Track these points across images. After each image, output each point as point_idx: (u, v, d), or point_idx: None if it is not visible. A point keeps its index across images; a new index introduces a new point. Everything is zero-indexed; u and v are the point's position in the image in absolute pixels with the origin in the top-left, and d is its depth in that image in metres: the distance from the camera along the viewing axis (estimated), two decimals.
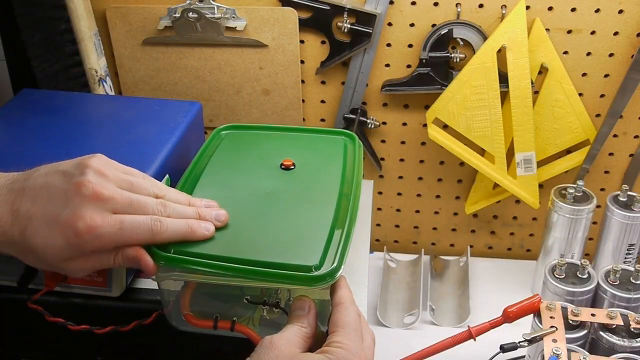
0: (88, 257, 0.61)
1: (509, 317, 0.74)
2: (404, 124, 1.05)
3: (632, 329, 0.72)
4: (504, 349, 0.72)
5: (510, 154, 1.01)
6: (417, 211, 1.13)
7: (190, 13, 0.97)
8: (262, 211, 0.69)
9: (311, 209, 0.69)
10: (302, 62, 1.02)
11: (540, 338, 0.71)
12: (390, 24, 0.98)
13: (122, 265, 0.63)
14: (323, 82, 1.04)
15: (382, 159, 1.09)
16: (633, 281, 0.80)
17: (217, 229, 0.65)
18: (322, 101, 1.05)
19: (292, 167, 0.75)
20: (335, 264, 0.62)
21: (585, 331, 0.74)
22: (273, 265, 0.61)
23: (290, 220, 0.68)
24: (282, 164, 0.75)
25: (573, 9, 0.95)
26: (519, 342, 0.71)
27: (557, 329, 0.71)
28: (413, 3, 0.96)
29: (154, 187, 0.66)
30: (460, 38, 0.97)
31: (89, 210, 0.59)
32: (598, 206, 0.94)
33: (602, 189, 1.07)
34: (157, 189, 0.66)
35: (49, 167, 0.63)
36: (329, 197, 0.71)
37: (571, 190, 0.93)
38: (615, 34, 0.96)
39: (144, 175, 0.67)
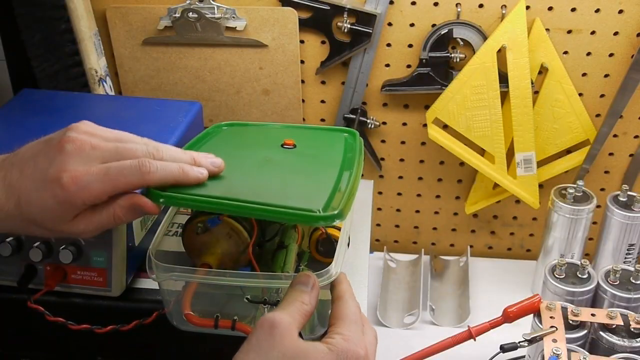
0: (85, 214, 0.60)
1: (509, 317, 0.74)
2: (404, 124, 1.06)
3: (632, 329, 0.72)
4: (504, 349, 0.72)
5: (510, 154, 1.01)
6: (417, 211, 1.13)
7: (190, 13, 0.97)
8: (263, 172, 0.68)
9: (313, 173, 0.69)
10: (302, 62, 1.02)
11: (540, 338, 0.71)
12: (390, 24, 0.98)
13: (124, 219, 0.61)
14: (323, 82, 1.04)
15: (382, 159, 1.09)
16: (633, 281, 0.80)
17: (218, 178, 0.64)
18: (322, 101, 1.05)
19: (293, 146, 0.74)
20: (340, 208, 0.60)
21: (585, 331, 0.74)
22: (277, 206, 0.60)
23: (293, 179, 0.67)
24: (283, 144, 0.74)
25: (573, 9, 0.95)
26: (519, 342, 0.71)
27: (557, 329, 0.71)
28: (413, 3, 0.96)
29: (145, 140, 0.64)
30: (460, 38, 0.97)
31: (72, 163, 0.58)
32: (598, 206, 0.94)
33: (602, 189, 1.07)
34: (148, 141, 0.64)
35: (36, 140, 0.62)
36: (331, 167, 0.70)
37: (571, 190, 0.93)
38: (615, 34, 0.96)
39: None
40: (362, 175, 1.08)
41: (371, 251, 1.06)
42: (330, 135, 0.82)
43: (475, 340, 0.73)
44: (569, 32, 0.96)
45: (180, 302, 0.65)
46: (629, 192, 0.92)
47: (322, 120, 1.07)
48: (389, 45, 1.00)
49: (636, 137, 1.03)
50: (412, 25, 0.98)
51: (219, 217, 0.68)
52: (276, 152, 0.73)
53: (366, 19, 0.96)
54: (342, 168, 0.70)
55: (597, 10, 0.95)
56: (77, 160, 0.58)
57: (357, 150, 0.76)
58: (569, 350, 0.69)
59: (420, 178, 1.10)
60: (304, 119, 1.07)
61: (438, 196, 1.12)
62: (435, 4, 0.96)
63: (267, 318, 0.55)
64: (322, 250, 0.74)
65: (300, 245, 0.74)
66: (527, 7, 0.94)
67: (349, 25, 0.96)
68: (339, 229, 0.74)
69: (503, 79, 0.96)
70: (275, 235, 0.75)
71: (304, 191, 0.65)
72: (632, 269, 0.81)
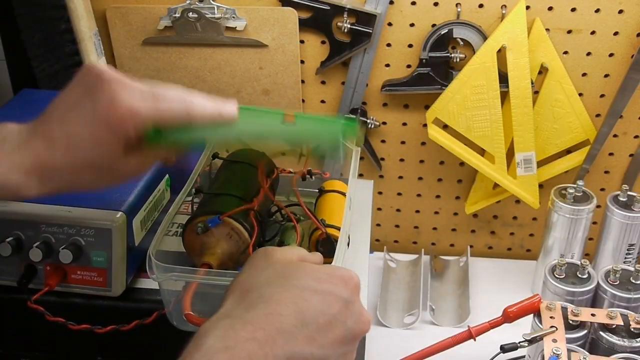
0: (137, 150, 0.60)
1: (509, 317, 0.74)
2: (404, 124, 1.06)
3: (632, 329, 0.72)
4: (504, 349, 0.72)
5: (510, 154, 1.01)
6: (417, 211, 1.13)
7: (190, 13, 0.97)
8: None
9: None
10: (302, 62, 1.02)
11: (540, 338, 0.71)
12: (390, 24, 0.98)
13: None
14: (323, 82, 1.04)
15: (382, 159, 1.09)
16: (633, 281, 0.80)
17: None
18: (322, 101, 1.05)
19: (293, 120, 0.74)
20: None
21: (585, 331, 0.74)
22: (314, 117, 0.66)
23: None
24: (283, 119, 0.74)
25: (573, 9, 0.95)
26: (519, 342, 0.71)
27: (557, 329, 0.71)
28: (413, 3, 0.96)
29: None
30: (460, 38, 0.97)
31: (120, 94, 0.57)
32: (598, 206, 0.94)
33: (602, 189, 1.07)
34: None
35: (57, 97, 0.60)
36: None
37: (571, 190, 0.93)
38: (615, 34, 0.96)
39: None
40: (362, 175, 1.09)
41: (371, 251, 1.06)
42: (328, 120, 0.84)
43: (475, 340, 0.73)
44: (569, 32, 0.96)
45: (181, 302, 0.65)
46: (629, 192, 0.92)
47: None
48: (389, 45, 1.00)
49: (636, 137, 1.03)
50: (412, 25, 0.98)
51: (219, 218, 0.68)
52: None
53: (366, 19, 0.96)
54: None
55: (597, 10, 0.95)
56: (122, 90, 0.57)
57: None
58: (569, 350, 0.69)
59: (420, 178, 1.10)
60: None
61: (438, 196, 1.12)
62: (435, 4, 0.96)
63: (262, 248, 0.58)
64: (322, 250, 0.74)
65: (300, 245, 0.74)
66: (527, 7, 0.94)
67: (349, 25, 0.96)
68: (338, 228, 0.74)
69: (503, 79, 0.96)
70: (275, 235, 0.75)
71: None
72: (632, 269, 0.81)
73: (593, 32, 0.96)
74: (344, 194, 0.81)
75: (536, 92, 0.99)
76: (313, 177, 0.83)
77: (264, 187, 0.76)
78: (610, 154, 1.04)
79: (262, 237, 0.73)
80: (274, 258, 0.56)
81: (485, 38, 0.96)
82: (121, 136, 0.57)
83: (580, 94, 1.00)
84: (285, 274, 0.54)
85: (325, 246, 0.74)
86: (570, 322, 0.74)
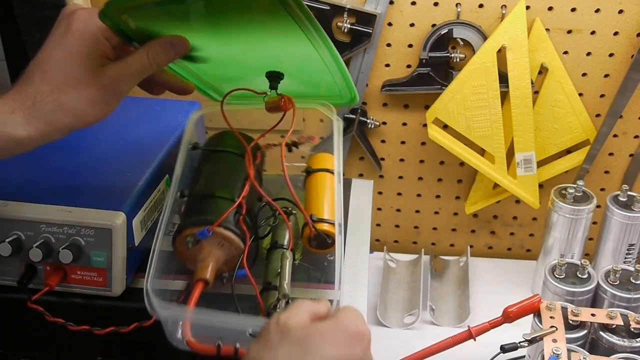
0: (114, 63, 0.62)
1: (509, 317, 0.74)
2: (404, 124, 1.05)
3: (632, 329, 0.72)
4: (504, 349, 0.72)
5: (510, 154, 1.01)
6: (417, 211, 1.13)
7: None
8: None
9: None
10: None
11: (540, 338, 0.71)
12: (390, 24, 0.98)
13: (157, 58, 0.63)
14: None
15: (382, 159, 1.09)
16: (633, 281, 0.80)
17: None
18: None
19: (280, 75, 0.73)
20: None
21: (585, 331, 0.74)
22: None
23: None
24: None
25: (573, 9, 0.95)
26: (519, 342, 0.71)
27: (557, 329, 0.71)
28: (413, 3, 0.96)
29: None
30: (460, 38, 0.97)
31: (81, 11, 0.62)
32: (598, 206, 0.94)
33: (602, 189, 1.07)
34: None
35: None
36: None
37: (571, 190, 0.93)
38: (615, 34, 0.96)
39: None
40: (362, 175, 1.09)
41: (371, 251, 1.06)
42: None
43: (475, 340, 0.73)
44: (569, 32, 0.96)
45: (181, 328, 0.64)
46: (629, 192, 0.92)
47: (321, 121, 1.07)
48: (389, 45, 1.00)
49: (636, 137, 1.03)
50: (412, 25, 0.98)
51: (207, 230, 0.66)
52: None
53: (366, 19, 0.96)
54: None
55: (597, 10, 0.95)
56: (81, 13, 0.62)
57: None
58: (569, 350, 0.69)
59: (420, 178, 1.10)
60: (303, 119, 1.07)
61: (438, 196, 1.12)
62: (435, 4, 0.96)
63: (274, 316, 0.56)
64: (315, 244, 0.74)
65: (294, 240, 0.72)
66: (527, 7, 0.94)
67: (349, 25, 0.96)
68: (330, 222, 0.73)
69: (503, 79, 0.96)
70: (267, 234, 0.74)
71: None
72: (632, 269, 0.81)
73: (593, 32, 0.96)
74: (332, 172, 0.78)
75: (536, 92, 0.99)
76: (299, 147, 0.81)
77: (250, 177, 0.73)
78: (610, 154, 1.04)
79: (254, 235, 0.71)
80: (287, 327, 0.54)
81: (485, 38, 0.96)
82: (84, 39, 0.61)
83: (580, 94, 1.00)
84: (304, 345, 0.53)
85: (318, 240, 0.73)
86: (570, 322, 0.74)
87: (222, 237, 0.67)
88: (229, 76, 0.75)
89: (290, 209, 0.76)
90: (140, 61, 0.62)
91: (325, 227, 0.73)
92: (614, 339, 0.72)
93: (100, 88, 0.62)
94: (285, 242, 0.73)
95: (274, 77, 0.71)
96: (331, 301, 0.61)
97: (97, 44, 0.62)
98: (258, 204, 0.75)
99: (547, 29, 0.96)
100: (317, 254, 0.75)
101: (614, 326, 0.73)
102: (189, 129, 0.78)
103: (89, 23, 0.61)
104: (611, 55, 0.97)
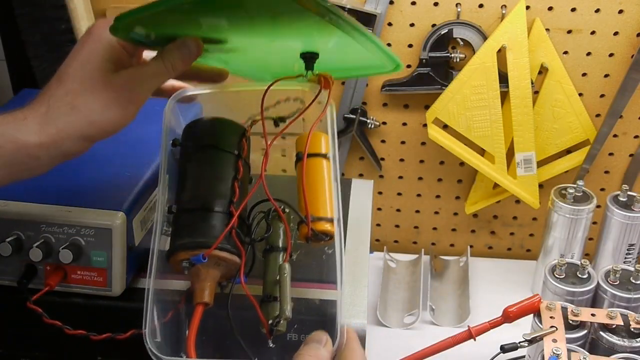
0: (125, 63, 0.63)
1: (509, 317, 0.74)
2: (404, 124, 1.06)
3: (632, 329, 0.72)
4: (504, 349, 0.72)
5: (510, 154, 1.01)
6: (417, 211, 1.13)
7: None
8: None
9: None
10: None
11: (540, 338, 0.71)
12: (390, 24, 0.98)
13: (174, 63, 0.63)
14: None
15: (382, 159, 1.09)
16: (633, 281, 0.80)
17: None
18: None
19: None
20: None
21: (585, 331, 0.74)
22: None
23: None
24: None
25: (573, 9, 0.95)
26: (519, 342, 0.71)
27: (557, 329, 0.71)
28: (413, 3, 0.96)
29: None
30: (460, 38, 0.97)
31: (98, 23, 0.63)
32: (598, 206, 0.94)
33: (602, 189, 1.07)
34: None
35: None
36: None
37: (571, 190, 0.93)
38: (615, 34, 0.96)
39: None
40: (362, 175, 1.09)
41: (371, 251, 1.06)
42: None
43: (475, 340, 0.73)
44: (569, 32, 0.96)
45: (185, 346, 0.63)
46: (629, 192, 0.92)
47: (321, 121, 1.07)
48: (389, 45, 1.00)
49: (636, 137, 1.03)
50: (412, 25, 0.98)
51: (203, 256, 0.63)
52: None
53: (366, 19, 0.96)
54: None
55: (597, 10, 0.95)
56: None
57: None
58: (569, 350, 0.69)
59: (420, 178, 1.10)
60: (303, 120, 1.06)
61: (438, 196, 1.12)
62: (435, 4, 0.96)
63: None
64: (313, 241, 0.69)
65: (291, 239, 0.70)
66: (527, 7, 0.94)
67: None
68: (327, 219, 0.68)
69: (503, 79, 0.96)
70: (264, 237, 0.71)
71: None
72: (632, 269, 0.81)
73: (593, 32, 0.96)
74: (325, 156, 0.72)
75: (536, 92, 0.99)
76: (286, 120, 0.73)
77: (239, 175, 0.68)
78: (610, 154, 1.04)
79: (249, 244, 0.69)
80: None
81: (485, 38, 0.96)
82: (99, 46, 0.61)
83: (580, 94, 1.00)
84: None
85: (315, 238, 0.68)
86: (570, 322, 0.74)
87: (218, 258, 0.65)
88: (260, 61, 0.74)
89: (282, 207, 0.70)
90: (155, 65, 0.62)
91: (324, 226, 0.68)
92: (614, 339, 0.72)
93: (114, 91, 0.61)
94: (282, 244, 0.69)
95: (309, 58, 0.68)
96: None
97: (113, 50, 0.62)
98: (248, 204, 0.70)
99: (547, 29, 0.96)
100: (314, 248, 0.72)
101: (614, 326, 0.73)
102: (166, 120, 0.71)
103: (104, 30, 0.61)
104: (611, 55, 0.97)
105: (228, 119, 0.73)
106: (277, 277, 0.66)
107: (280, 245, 0.69)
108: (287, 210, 0.70)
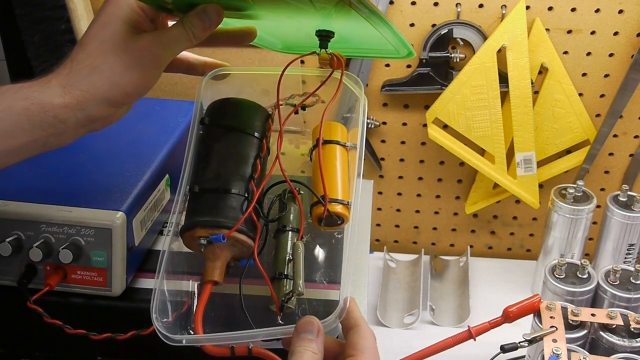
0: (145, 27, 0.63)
1: (509, 317, 0.74)
2: (404, 124, 1.06)
3: (632, 329, 0.72)
4: (504, 349, 0.72)
5: (510, 154, 1.01)
6: (417, 211, 1.13)
7: None
8: None
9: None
10: (302, 62, 1.02)
11: (540, 338, 0.71)
12: None
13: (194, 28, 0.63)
14: None
15: (382, 159, 1.09)
16: (633, 281, 0.80)
17: None
18: (322, 101, 1.05)
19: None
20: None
21: (585, 331, 0.74)
22: None
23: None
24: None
25: (573, 9, 0.95)
26: (519, 342, 0.71)
27: (557, 329, 0.71)
28: (413, 3, 0.96)
29: None
30: (460, 38, 0.97)
31: None
32: (598, 206, 0.94)
33: (602, 189, 1.07)
34: None
35: None
36: None
37: (571, 190, 0.93)
38: (615, 34, 0.96)
39: None
40: (362, 175, 1.09)
41: (371, 251, 1.06)
42: None
43: (475, 340, 0.73)
44: (569, 32, 0.96)
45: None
46: (629, 192, 0.92)
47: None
48: None
49: (636, 137, 1.03)
50: (412, 25, 0.98)
51: (223, 237, 0.64)
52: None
53: None
54: None
55: (597, 10, 0.95)
56: None
57: None
58: (569, 350, 0.69)
59: (420, 178, 1.10)
60: (304, 122, 1.06)
61: (438, 196, 1.12)
62: (435, 4, 0.96)
63: None
64: (325, 223, 0.69)
65: (302, 225, 0.70)
66: (527, 7, 0.94)
67: None
68: (343, 202, 0.68)
69: (503, 79, 0.96)
70: (278, 217, 0.70)
71: None
72: (632, 269, 0.81)
73: (593, 32, 0.96)
74: (344, 145, 0.74)
75: (536, 92, 0.99)
76: (306, 109, 0.76)
77: (262, 153, 0.69)
78: (610, 154, 1.04)
79: (265, 226, 0.69)
80: None
81: (485, 38, 0.96)
82: (119, 9, 0.61)
83: (580, 94, 1.00)
84: None
85: (328, 220, 0.69)
86: (570, 322, 0.74)
87: (235, 239, 0.66)
88: (275, 29, 0.74)
89: (298, 188, 0.71)
90: (177, 30, 0.62)
91: (338, 208, 0.68)
92: (614, 339, 0.72)
93: (135, 53, 0.61)
94: (295, 225, 0.69)
95: (325, 36, 0.69)
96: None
97: (133, 13, 0.61)
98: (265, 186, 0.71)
99: (547, 29, 0.96)
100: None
101: (614, 326, 0.73)
102: (200, 97, 0.72)
103: None
104: (611, 55, 0.97)
105: (253, 101, 0.73)
106: (289, 256, 0.67)
107: (294, 226, 0.70)
108: (302, 192, 0.71)
